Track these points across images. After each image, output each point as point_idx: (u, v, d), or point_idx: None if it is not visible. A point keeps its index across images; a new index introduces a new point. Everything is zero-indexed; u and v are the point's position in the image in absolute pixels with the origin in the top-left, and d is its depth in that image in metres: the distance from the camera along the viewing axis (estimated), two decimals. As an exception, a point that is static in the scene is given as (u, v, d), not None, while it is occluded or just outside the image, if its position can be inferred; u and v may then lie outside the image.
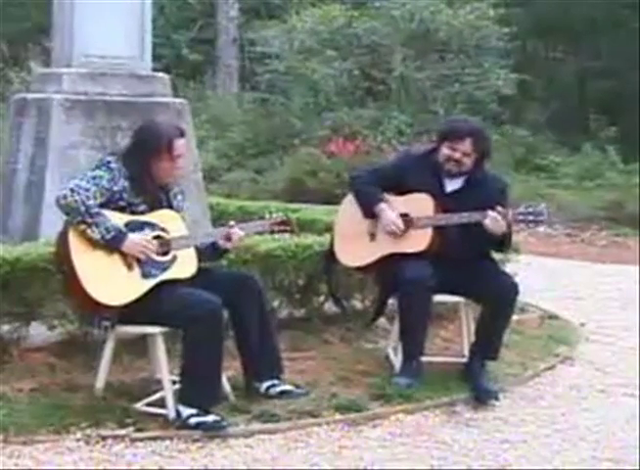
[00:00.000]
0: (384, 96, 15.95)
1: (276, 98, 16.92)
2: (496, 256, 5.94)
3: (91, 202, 4.73)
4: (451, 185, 5.65)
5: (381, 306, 5.89)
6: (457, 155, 5.57)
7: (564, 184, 14.78)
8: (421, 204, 5.59)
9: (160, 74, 7.21)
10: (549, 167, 15.62)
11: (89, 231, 4.73)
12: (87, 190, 4.75)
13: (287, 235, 5.44)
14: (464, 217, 5.47)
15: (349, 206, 5.83)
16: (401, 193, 5.69)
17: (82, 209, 4.70)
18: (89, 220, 4.72)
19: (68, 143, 6.57)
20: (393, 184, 5.69)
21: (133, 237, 4.82)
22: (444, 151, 5.62)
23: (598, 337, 7.14)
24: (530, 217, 5.40)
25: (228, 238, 5.17)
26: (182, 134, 5.07)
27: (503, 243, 5.58)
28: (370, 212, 5.68)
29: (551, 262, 10.71)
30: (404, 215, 5.60)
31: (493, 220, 5.37)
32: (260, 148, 15.80)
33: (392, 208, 5.63)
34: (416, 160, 5.79)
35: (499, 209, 5.38)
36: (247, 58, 19.32)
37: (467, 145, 5.56)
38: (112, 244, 4.77)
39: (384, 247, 5.64)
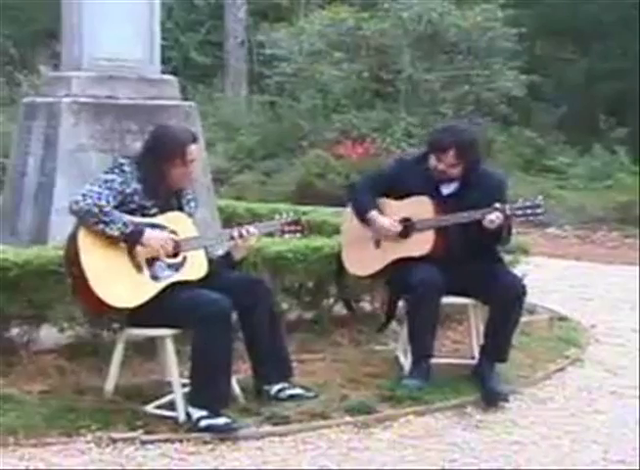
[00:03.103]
0: (392, 98, 15.94)
1: (285, 100, 16.93)
2: (506, 257, 5.94)
3: (103, 202, 4.74)
4: (447, 189, 5.64)
5: (391, 311, 5.89)
6: (442, 166, 5.56)
7: (573, 185, 14.77)
8: (421, 207, 5.59)
9: (169, 77, 7.23)
10: (558, 168, 15.59)
11: (107, 230, 4.71)
12: (99, 193, 4.76)
13: (298, 235, 5.41)
14: (464, 217, 5.48)
15: (353, 215, 5.84)
16: (400, 198, 5.69)
17: (95, 210, 4.70)
18: (105, 219, 4.71)
19: (78, 146, 6.59)
20: (390, 190, 5.70)
21: (151, 231, 4.82)
22: (432, 161, 5.61)
23: (608, 338, 7.13)
24: (529, 211, 5.41)
25: (240, 236, 5.10)
26: (195, 139, 5.06)
27: (501, 236, 5.56)
28: (363, 220, 5.71)
29: (560, 264, 10.69)
30: (406, 220, 5.61)
31: (491, 222, 5.37)
32: (269, 150, 15.80)
33: (386, 214, 5.64)
34: (410, 165, 5.77)
35: (497, 205, 5.38)
36: (255, 60, 19.32)
37: (450, 156, 5.51)
38: (131, 237, 4.75)
39: (389, 253, 5.65)
